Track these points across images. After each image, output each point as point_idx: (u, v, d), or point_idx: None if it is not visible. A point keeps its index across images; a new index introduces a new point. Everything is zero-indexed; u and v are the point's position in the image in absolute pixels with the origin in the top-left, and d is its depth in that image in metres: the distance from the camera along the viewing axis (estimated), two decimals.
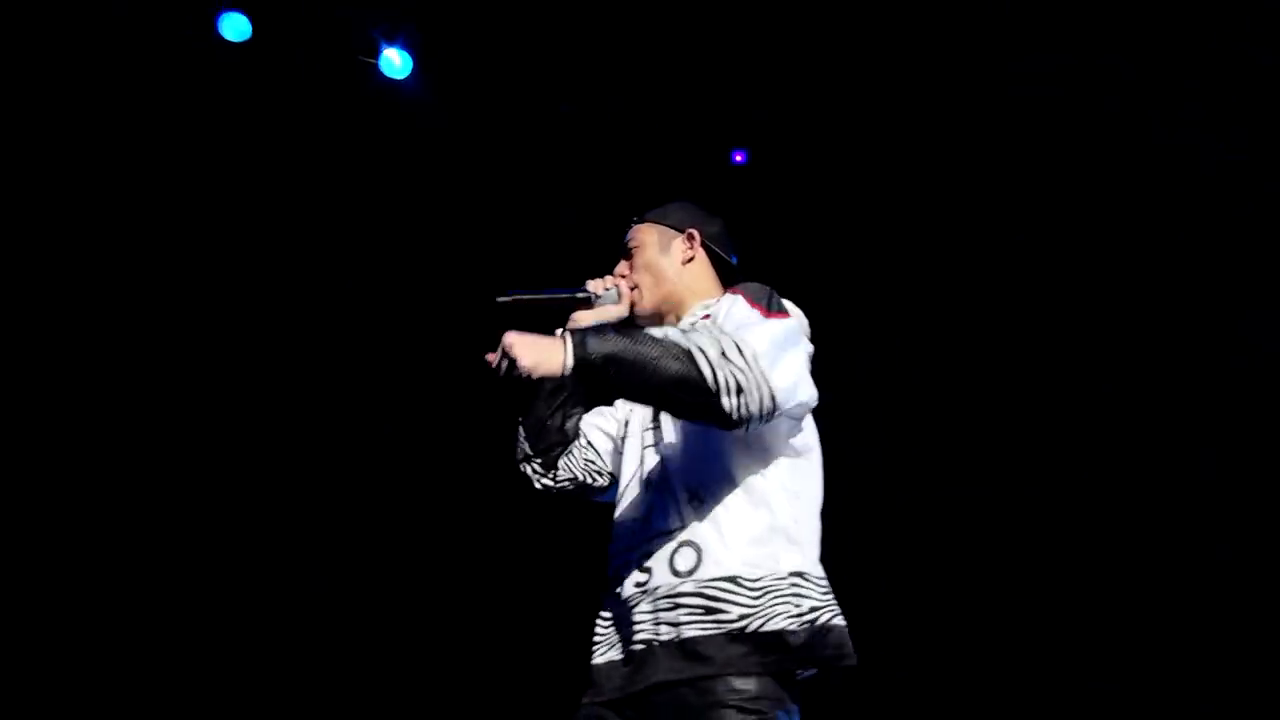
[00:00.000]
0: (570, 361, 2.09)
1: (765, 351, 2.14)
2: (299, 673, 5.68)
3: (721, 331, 2.16)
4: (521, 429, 2.70)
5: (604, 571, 2.41)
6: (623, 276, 2.68)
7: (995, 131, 5.91)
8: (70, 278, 5.55)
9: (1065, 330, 6.21)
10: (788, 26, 5.57)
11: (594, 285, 2.66)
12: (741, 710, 2.08)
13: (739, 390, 2.09)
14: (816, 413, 2.41)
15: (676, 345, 2.09)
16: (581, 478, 2.71)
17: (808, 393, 2.23)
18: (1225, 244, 5.86)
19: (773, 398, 2.12)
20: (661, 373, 2.07)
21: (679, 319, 2.61)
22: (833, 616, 2.22)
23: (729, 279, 2.67)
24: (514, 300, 2.54)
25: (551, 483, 2.70)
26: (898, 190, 6.18)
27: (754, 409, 2.11)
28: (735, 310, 2.33)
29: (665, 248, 2.66)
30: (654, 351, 2.08)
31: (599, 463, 2.71)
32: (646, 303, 2.64)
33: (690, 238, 2.67)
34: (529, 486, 2.73)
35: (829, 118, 5.97)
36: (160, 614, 5.53)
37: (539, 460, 2.69)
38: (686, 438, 2.38)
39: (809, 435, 2.41)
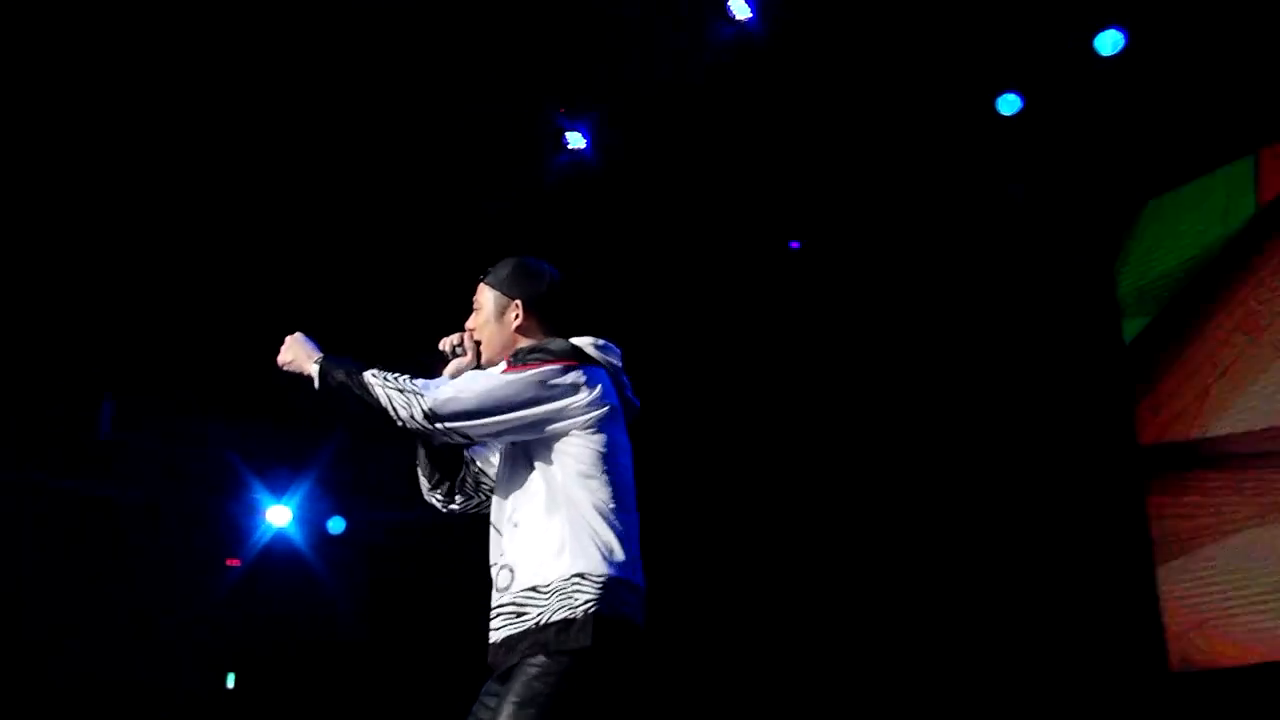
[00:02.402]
0: (315, 376, 2.89)
1: (429, 385, 2.81)
2: None
3: (414, 392, 2.79)
4: (418, 469, 3.15)
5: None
6: (471, 330, 3.11)
7: None
8: None
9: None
10: None
11: (444, 344, 3.13)
12: (538, 679, 2.64)
13: (395, 410, 2.77)
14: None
15: (366, 385, 2.81)
16: (476, 497, 3.16)
17: (482, 412, 2.79)
18: None
19: (457, 430, 2.80)
20: (359, 394, 2.81)
21: None
22: (598, 608, 2.70)
23: (568, 327, 3.09)
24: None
25: (456, 506, 3.17)
26: None
27: (417, 420, 2.78)
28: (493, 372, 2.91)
29: (499, 312, 3.09)
30: (356, 382, 2.81)
31: (489, 481, 3.14)
32: (490, 356, 3.07)
33: (516, 306, 3.08)
34: (437, 513, 3.22)
35: None
36: None
37: (439, 491, 3.16)
38: (507, 469, 2.96)
39: (596, 456, 2.86)
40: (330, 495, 8.46)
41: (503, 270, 3.13)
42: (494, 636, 2.83)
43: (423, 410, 2.78)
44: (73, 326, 7.15)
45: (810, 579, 8.04)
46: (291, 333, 3.02)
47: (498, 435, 2.88)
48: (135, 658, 7.67)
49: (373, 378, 2.84)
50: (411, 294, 6.66)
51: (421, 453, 3.13)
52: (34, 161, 6.29)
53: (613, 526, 2.81)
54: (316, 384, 2.90)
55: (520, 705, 2.62)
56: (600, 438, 2.88)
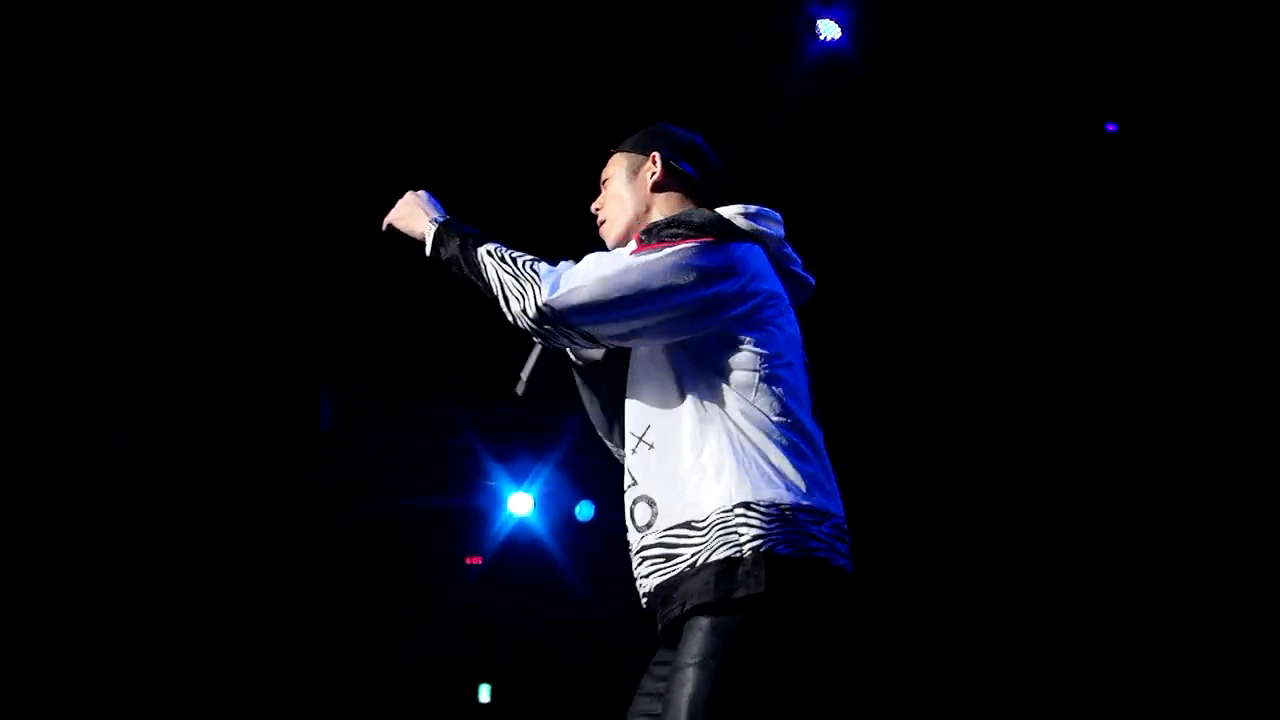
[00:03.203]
0: (427, 241, 2.50)
1: (553, 271, 2.32)
2: None
3: (531, 277, 2.31)
4: (605, 439, 2.66)
5: None
6: (598, 209, 2.66)
7: None
8: None
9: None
10: None
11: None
12: (706, 642, 2.15)
13: (506, 299, 2.33)
14: None
15: (478, 264, 2.39)
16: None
17: (580, 297, 2.26)
18: None
19: (576, 328, 2.29)
20: (469, 274, 2.41)
21: None
22: (771, 545, 2.18)
23: (706, 194, 2.58)
24: (527, 385, 2.61)
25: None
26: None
27: (528, 315, 2.30)
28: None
29: (632, 171, 2.61)
30: (468, 257, 2.41)
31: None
32: (613, 234, 2.60)
33: (654, 160, 2.59)
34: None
35: None
36: None
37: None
38: (639, 380, 2.43)
39: (755, 356, 2.33)
40: (576, 478, 7.74)
41: (636, 133, 2.68)
42: (643, 585, 2.36)
43: (535, 303, 2.29)
44: (287, 312, 6.68)
45: None
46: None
47: (627, 336, 2.34)
48: (375, 675, 7.07)
49: (488, 255, 2.39)
50: None
51: (605, 433, 2.64)
52: (244, 144, 6.06)
53: (782, 443, 2.29)
54: (427, 251, 2.50)
55: (694, 681, 2.11)
56: (759, 332, 2.35)
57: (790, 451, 2.29)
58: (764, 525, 2.20)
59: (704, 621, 2.17)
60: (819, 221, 6.82)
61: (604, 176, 2.68)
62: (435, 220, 2.50)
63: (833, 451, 2.42)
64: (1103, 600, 7.09)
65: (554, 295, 2.27)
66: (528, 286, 2.30)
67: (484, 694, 7.50)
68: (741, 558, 2.17)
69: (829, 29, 5.89)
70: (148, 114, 5.72)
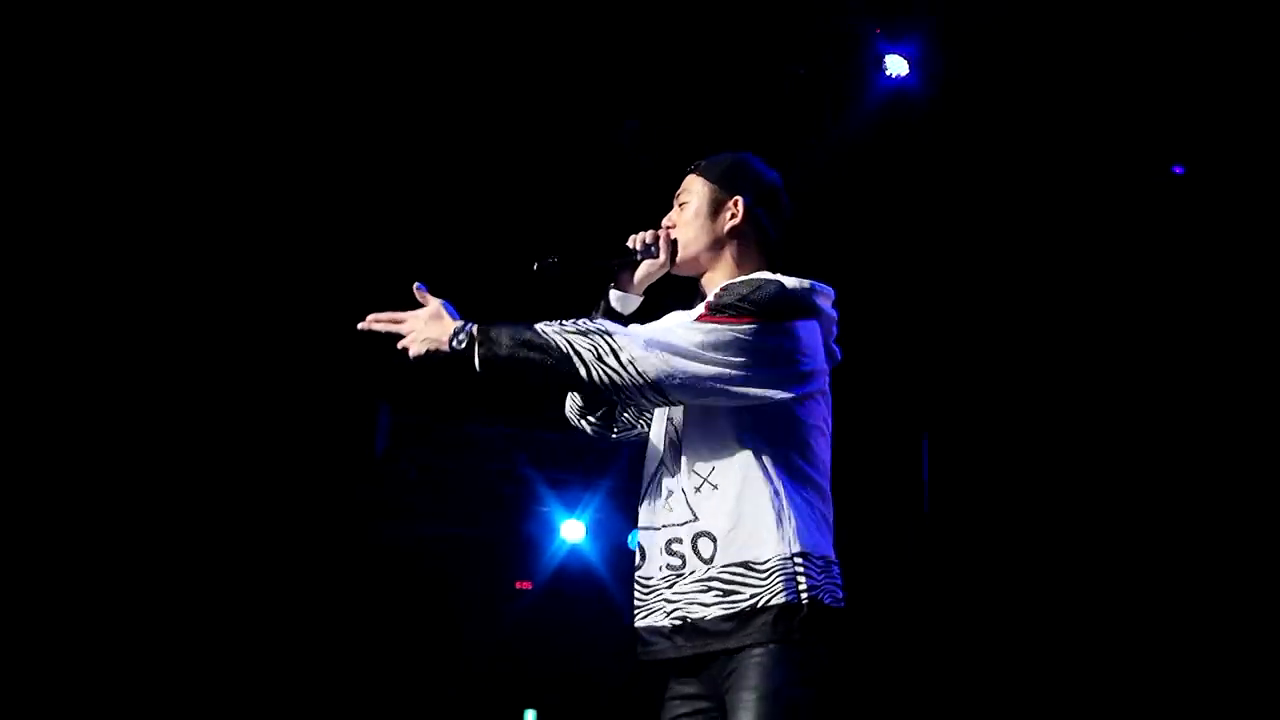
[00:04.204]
0: (476, 353, 2.38)
1: (641, 354, 2.35)
2: None
3: (601, 333, 2.37)
4: (569, 394, 2.74)
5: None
6: (670, 227, 2.69)
7: None
8: None
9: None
10: None
11: (635, 240, 2.68)
12: (774, 674, 2.32)
13: (616, 388, 2.35)
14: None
15: (542, 339, 2.35)
16: (638, 426, 2.74)
17: (683, 371, 2.35)
18: None
19: (653, 386, 2.35)
20: (538, 376, 2.37)
21: (708, 281, 2.66)
22: (822, 595, 2.39)
23: (775, 245, 2.69)
24: (553, 267, 2.58)
25: (615, 435, 2.77)
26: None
27: (634, 396, 2.37)
28: (688, 313, 2.52)
29: (713, 208, 2.66)
30: (535, 356, 2.35)
31: (650, 413, 2.71)
32: (686, 255, 2.66)
33: (736, 204, 2.65)
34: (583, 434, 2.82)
35: None
36: None
37: (592, 416, 2.73)
38: (699, 425, 2.51)
39: (804, 426, 2.51)
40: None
41: (722, 162, 2.72)
42: (693, 612, 2.44)
43: (618, 360, 2.34)
44: (343, 332, 6.61)
45: None
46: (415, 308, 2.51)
47: (699, 398, 2.43)
48: (421, 698, 7.05)
49: (547, 328, 2.39)
50: None
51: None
52: (310, 164, 6.15)
53: (818, 501, 2.51)
54: (478, 364, 2.39)
55: (759, 712, 2.31)
56: (810, 403, 2.53)
57: (823, 508, 2.51)
58: (816, 576, 2.42)
59: (762, 658, 2.35)
60: (878, 254, 6.84)
61: (681, 194, 2.72)
62: (467, 323, 2.42)
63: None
64: (1099, 605, 7.01)
65: (635, 355, 2.35)
66: (602, 341, 2.36)
67: (529, 719, 7.45)
68: (800, 604, 2.37)
69: (897, 65, 5.88)
70: (214, 132, 5.83)
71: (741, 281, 2.50)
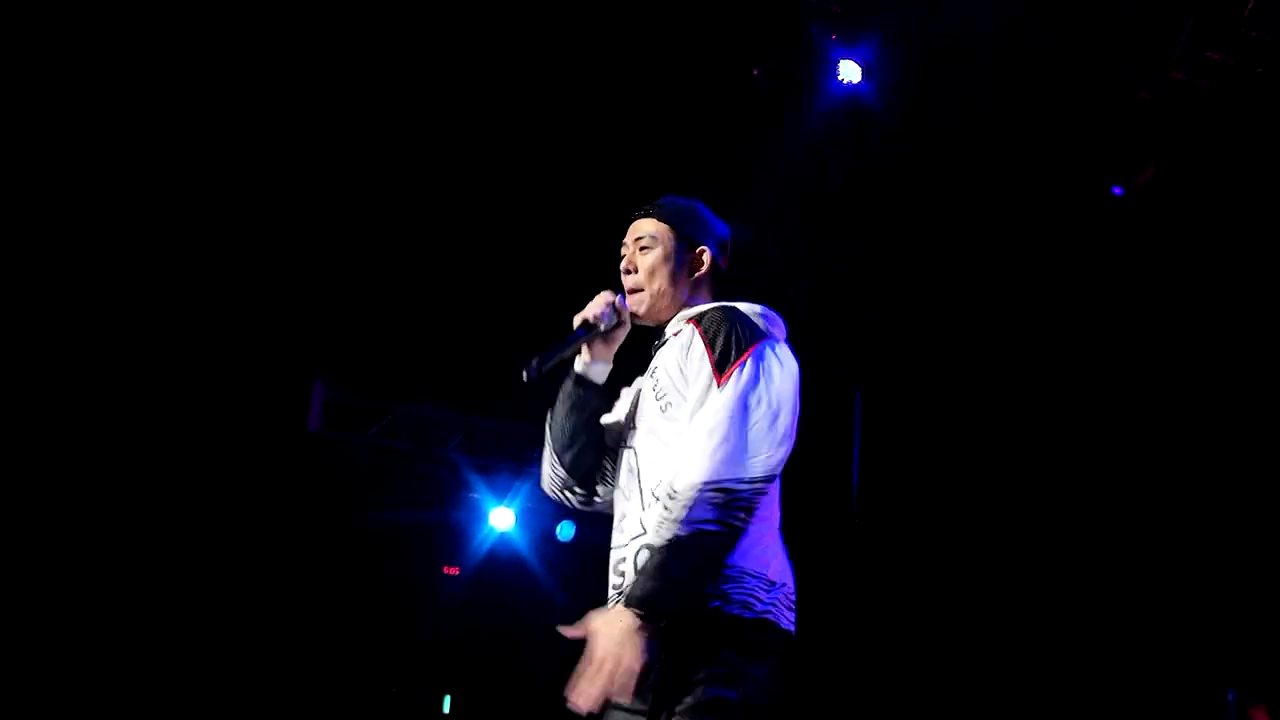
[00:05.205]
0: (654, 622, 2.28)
1: (724, 477, 2.33)
2: None
3: (680, 501, 2.31)
4: (558, 462, 2.76)
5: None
6: (630, 270, 2.71)
7: None
8: None
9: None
10: None
11: (591, 314, 2.68)
12: (680, 674, 2.33)
13: (730, 527, 2.32)
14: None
15: (690, 549, 2.29)
16: (611, 484, 2.75)
17: (768, 460, 2.39)
18: None
19: (753, 489, 2.36)
20: (699, 574, 2.33)
21: (664, 322, 2.72)
22: (757, 611, 2.40)
23: (726, 282, 2.77)
24: (539, 373, 2.58)
25: (599, 499, 2.77)
26: None
27: (754, 509, 2.36)
28: (693, 357, 2.52)
29: (678, 256, 2.72)
30: (683, 571, 2.30)
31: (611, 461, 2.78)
32: (645, 310, 2.71)
33: (702, 253, 2.74)
34: (564, 506, 2.84)
35: None
36: None
37: (576, 487, 2.76)
38: (653, 444, 2.57)
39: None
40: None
41: (681, 210, 2.77)
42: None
43: (728, 501, 2.32)
44: (280, 310, 6.61)
45: None
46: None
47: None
48: (337, 673, 7.01)
49: (682, 534, 2.31)
50: None
51: (564, 448, 2.75)
52: (247, 142, 6.04)
53: (767, 529, 2.52)
54: (667, 617, 2.31)
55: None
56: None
57: (765, 532, 2.50)
58: (728, 587, 2.40)
59: (687, 664, 2.35)
60: (843, 259, 6.90)
61: (639, 238, 2.74)
62: (652, 621, 2.29)
63: None
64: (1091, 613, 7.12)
65: (726, 477, 2.33)
66: (708, 496, 2.31)
67: (446, 705, 7.41)
68: (731, 615, 2.37)
69: (849, 71, 5.93)
70: (151, 111, 5.73)
71: (714, 332, 2.51)
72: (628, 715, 2.42)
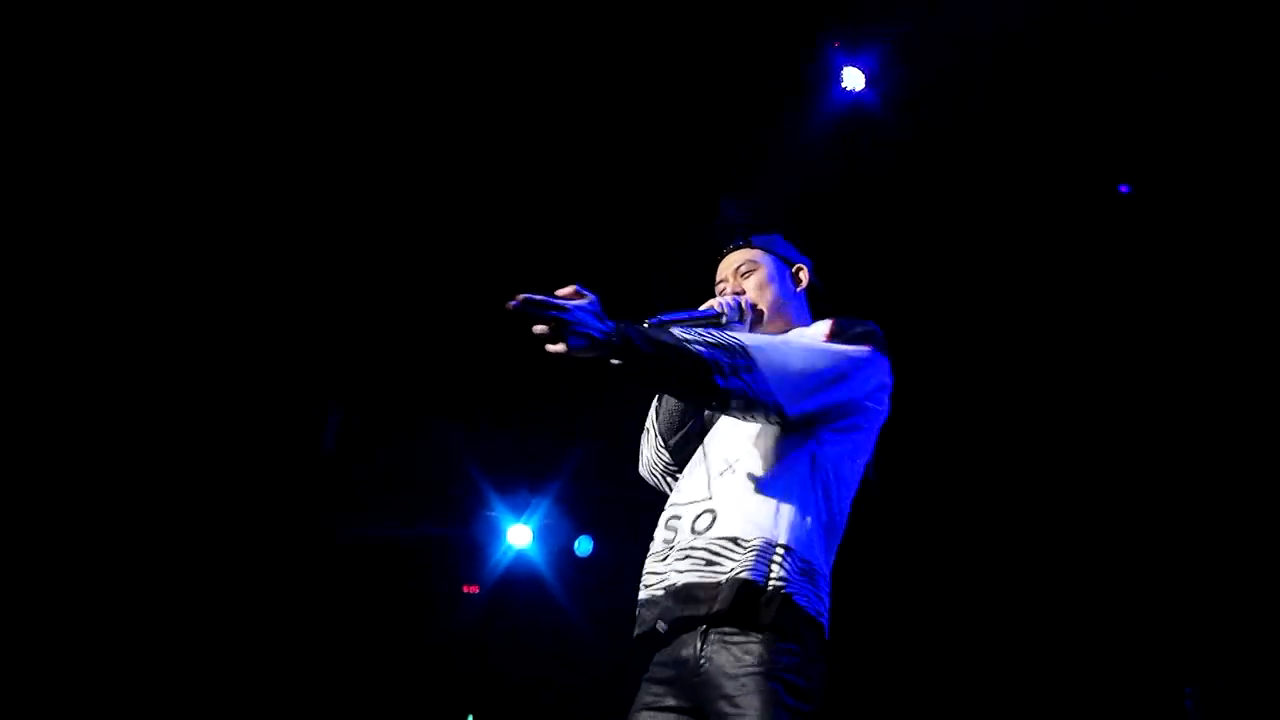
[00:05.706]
0: (621, 350, 2.31)
1: (781, 372, 2.44)
2: None
3: (747, 348, 2.41)
4: (662, 445, 2.84)
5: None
6: (739, 293, 2.87)
7: None
8: None
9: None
10: None
11: (716, 304, 2.79)
12: (723, 645, 2.39)
13: (746, 406, 2.41)
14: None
15: (698, 360, 2.35)
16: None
17: (820, 403, 2.49)
18: None
19: (779, 411, 2.44)
20: (675, 381, 2.43)
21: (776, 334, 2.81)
22: (792, 593, 2.41)
23: (818, 308, 2.95)
24: (658, 322, 2.58)
25: (676, 470, 2.84)
26: None
27: (760, 418, 2.47)
28: (809, 332, 2.68)
29: (781, 274, 2.94)
30: (674, 358, 2.34)
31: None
32: (773, 313, 2.87)
33: (800, 271, 2.98)
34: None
35: None
36: None
37: (670, 445, 2.83)
38: (732, 423, 2.64)
39: (867, 449, 2.65)
40: (574, 512, 7.68)
41: (766, 235, 3.02)
42: (673, 581, 2.52)
43: (751, 378, 2.41)
44: (295, 330, 6.63)
45: None
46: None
47: (818, 418, 2.55)
48: (359, 695, 7.02)
49: (684, 333, 2.41)
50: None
51: (669, 405, 2.85)
52: (264, 163, 6.07)
53: (835, 524, 2.60)
54: (623, 359, 2.34)
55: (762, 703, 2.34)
56: (868, 434, 2.69)
57: (832, 530, 2.57)
58: (793, 574, 2.43)
59: (745, 643, 2.39)
60: (845, 271, 6.89)
61: (738, 267, 2.94)
62: (614, 330, 2.32)
63: None
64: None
65: (768, 376, 2.42)
66: (737, 356, 2.40)
67: None
68: (764, 588, 2.40)
69: (853, 79, 5.93)
70: (162, 119, 5.75)
71: (849, 319, 2.69)
72: (662, 686, 2.47)
